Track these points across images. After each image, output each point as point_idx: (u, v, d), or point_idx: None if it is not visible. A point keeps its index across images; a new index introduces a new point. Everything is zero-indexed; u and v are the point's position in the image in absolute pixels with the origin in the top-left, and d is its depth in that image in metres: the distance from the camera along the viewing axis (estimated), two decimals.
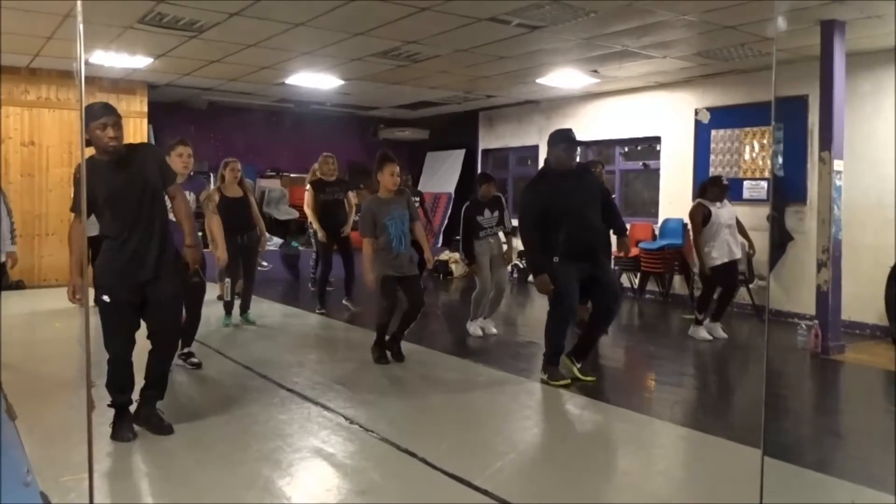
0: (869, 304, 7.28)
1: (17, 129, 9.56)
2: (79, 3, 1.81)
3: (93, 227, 4.18)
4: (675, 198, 9.51)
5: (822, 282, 6.43)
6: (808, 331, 6.45)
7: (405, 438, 3.89)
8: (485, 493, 3.20)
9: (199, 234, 5.72)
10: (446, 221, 12.91)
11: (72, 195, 3.88)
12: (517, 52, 7.89)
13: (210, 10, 6.43)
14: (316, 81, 9.76)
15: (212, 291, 6.96)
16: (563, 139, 5.10)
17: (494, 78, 9.45)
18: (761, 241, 8.34)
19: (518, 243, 7.86)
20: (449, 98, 11.24)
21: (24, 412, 4.07)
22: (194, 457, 3.64)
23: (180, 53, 8.18)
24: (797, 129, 8.02)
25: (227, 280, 6.66)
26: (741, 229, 6.96)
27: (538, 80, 9.46)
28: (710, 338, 6.81)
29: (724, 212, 6.77)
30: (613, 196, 8.18)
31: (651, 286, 9.76)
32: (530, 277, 10.84)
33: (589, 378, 5.20)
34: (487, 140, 12.81)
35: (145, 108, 10.36)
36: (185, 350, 5.38)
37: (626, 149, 10.58)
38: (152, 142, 10.71)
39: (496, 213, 6.77)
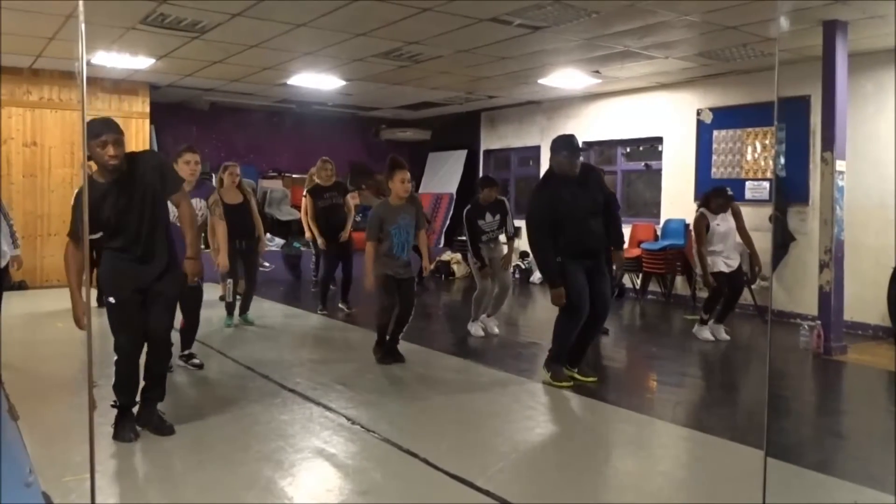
0: (871, 305, 7.27)
1: (19, 130, 9.58)
2: (80, 3, 1.81)
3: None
4: (676, 198, 9.50)
5: (825, 282, 6.42)
6: (811, 331, 6.44)
7: (407, 439, 3.89)
8: (486, 493, 3.20)
9: (202, 234, 5.75)
10: (448, 222, 12.91)
11: (69, 220, 3.80)
12: (519, 53, 7.89)
13: (212, 11, 6.44)
14: (317, 82, 9.77)
15: (214, 292, 6.99)
16: (564, 146, 5.07)
17: (496, 78, 9.45)
18: (764, 242, 8.33)
19: (519, 244, 7.87)
20: (450, 98, 11.24)
21: (26, 412, 4.08)
22: (196, 457, 3.64)
23: (182, 54, 8.18)
24: (799, 129, 8.01)
25: (230, 281, 6.68)
26: (748, 242, 6.89)
27: (540, 81, 9.45)
28: (713, 338, 6.81)
29: (724, 228, 6.76)
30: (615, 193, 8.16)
31: (653, 286, 9.75)
32: (532, 277, 10.86)
33: (590, 379, 5.20)
34: (489, 141, 12.81)
35: (147, 109, 10.37)
36: (186, 351, 5.38)
37: (628, 149, 10.57)
38: (154, 142, 10.73)
39: (497, 218, 6.76)
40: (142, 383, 3.91)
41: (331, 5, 6.15)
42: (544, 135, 11.56)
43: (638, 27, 6.69)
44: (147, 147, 10.28)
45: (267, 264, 10.28)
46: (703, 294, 7.20)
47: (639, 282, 9.77)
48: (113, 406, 3.81)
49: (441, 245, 12.62)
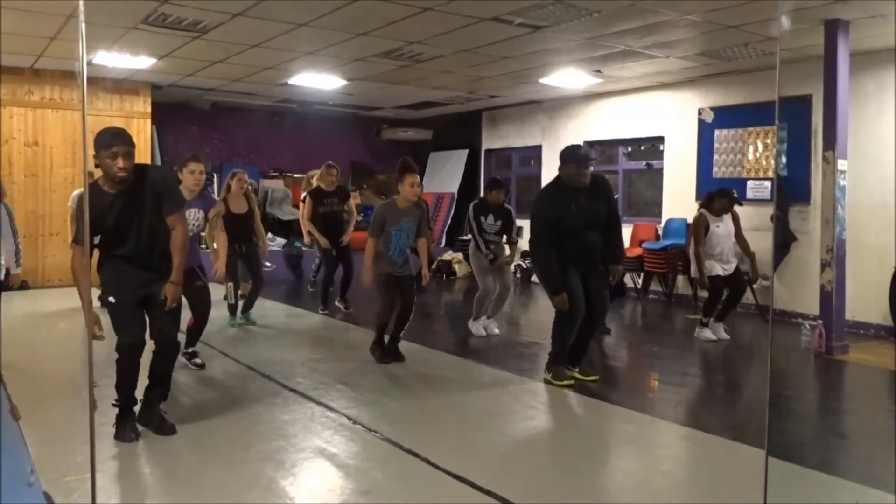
0: (873, 304, 7.26)
1: (20, 130, 9.59)
2: (81, 3, 1.81)
3: None
4: (678, 198, 9.50)
5: (826, 282, 6.41)
6: (812, 331, 6.43)
7: (408, 438, 3.89)
8: (487, 493, 3.20)
9: (202, 233, 5.76)
10: (449, 221, 12.91)
11: (72, 230, 3.76)
12: (520, 52, 7.88)
13: (213, 11, 6.44)
14: (319, 82, 9.77)
15: (217, 292, 6.99)
16: (573, 158, 5.07)
17: (497, 78, 9.45)
18: (765, 242, 8.33)
19: (520, 245, 7.87)
20: (452, 98, 11.24)
21: (28, 412, 4.08)
22: (197, 457, 3.64)
23: (183, 54, 8.19)
24: (801, 128, 8.00)
25: (230, 284, 6.71)
26: (745, 248, 6.90)
27: (541, 80, 9.45)
28: (715, 338, 6.81)
29: (722, 231, 6.76)
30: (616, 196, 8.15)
31: (654, 286, 9.75)
32: (533, 277, 10.86)
33: (591, 378, 5.20)
34: (490, 140, 12.81)
35: (149, 109, 10.38)
36: (190, 349, 5.39)
37: (630, 149, 10.57)
38: (155, 142, 10.74)
39: (499, 223, 6.78)
40: (145, 383, 3.92)
41: (332, 5, 6.15)
42: (545, 134, 11.57)
43: (639, 26, 6.68)
44: (149, 147, 10.31)
45: (268, 264, 10.29)
46: (704, 294, 7.20)
47: (640, 281, 9.77)
48: (114, 405, 3.81)
49: (442, 245, 12.62)
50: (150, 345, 3.94)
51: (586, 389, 5.02)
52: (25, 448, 3.45)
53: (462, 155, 13.22)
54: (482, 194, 6.97)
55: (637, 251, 9.50)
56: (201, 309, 5.17)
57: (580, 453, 3.91)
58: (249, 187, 7.07)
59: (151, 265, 3.80)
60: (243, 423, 4.15)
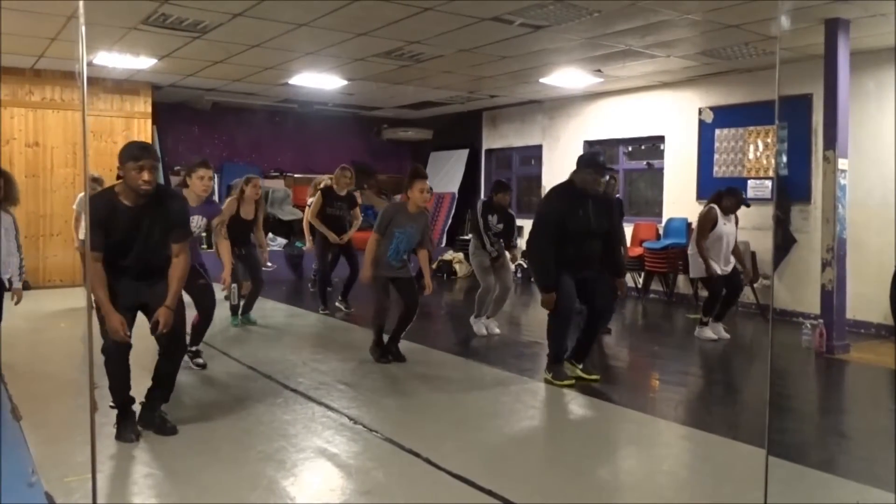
0: (873, 304, 7.26)
1: (21, 130, 9.59)
2: (81, 4, 1.81)
3: None
4: (678, 197, 9.50)
5: (827, 281, 6.41)
6: (813, 330, 6.43)
7: (409, 438, 3.89)
8: (488, 493, 3.20)
9: (203, 234, 5.76)
10: (450, 221, 12.91)
11: (78, 233, 3.64)
12: (520, 52, 7.88)
13: (214, 11, 6.44)
14: (319, 82, 9.77)
15: (218, 291, 6.98)
16: (590, 164, 5.11)
17: (497, 78, 9.45)
18: (766, 241, 8.34)
19: (520, 245, 7.88)
20: (452, 98, 11.24)
21: (29, 413, 4.10)
22: (198, 457, 3.64)
23: (184, 54, 8.19)
24: (801, 128, 8.00)
25: (234, 285, 6.72)
26: (737, 255, 6.92)
27: (541, 80, 9.45)
28: (716, 338, 6.81)
29: (728, 229, 6.76)
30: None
31: (655, 286, 9.75)
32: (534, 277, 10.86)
33: (593, 376, 5.20)
34: (491, 140, 12.81)
35: (149, 109, 10.39)
36: (194, 348, 5.39)
37: (630, 148, 10.57)
38: (156, 142, 10.74)
39: (501, 227, 6.83)
40: (143, 382, 3.92)
41: (332, 5, 6.15)
42: (546, 134, 11.57)
43: (639, 26, 6.68)
44: None
45: (269, 264, 10.29)
46: (705, 293, 7.20)
47: (641, 281, 9.77)
48: (112, 407, 3.82)
49: (443, 244, 12.62)
50: (153, 345, 3.94)
51: (587, 389, 5.03)
52: (27, 448, 3.46)
53: (462, 155, 13.22)
54: (485, 196, 7.00)
55: (638, 251, 9.50)
56: (206, 305, 5.16)
57: (581, 453, 3.91)
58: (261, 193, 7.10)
59: (147, 278, 3.81)
60: (244, 424, 4.15)
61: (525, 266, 11.10)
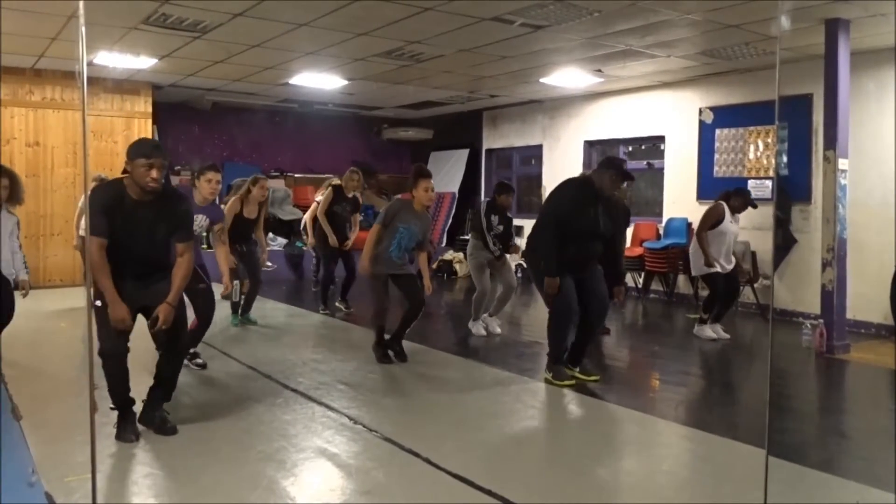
0: (874, 304, 7.26)
1: (21, 130, 9.59)
2: (81, 4, 1.81)
3: None
4: (679, 197, 9.50)
5: (827, 281, 6.41)
6: (813, 330, 6.43)
7: (409, 438, 3.89)
8: (488, 492, 3.20)
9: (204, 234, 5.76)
10: (450, 221, 12.91)
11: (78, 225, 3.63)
12: (520, 52, 7.88)
13: (214, 11, 6.44)
14: (319, 81, 9.77)
15: (217, 291, 6.99)
16: (615, 167, 5.12)
17: (498, 77, 9.45)
18: (766, 241, 8.33)
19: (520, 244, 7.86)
20: (452, 98, 11.23)
21: (29, 413, 4.10)
22: (198, 457, 3.64)
23: (184, 54, 8.19)
24: (801, 128, 8.00)
25: (235, 282, 6.70)
26: (735, 256, 6.94)
27: (542, 80, 9.45)
28: (715, 337, 6.81)
29: (733, 228, 6.77)
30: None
31: (655, 285, 9.75)
32: None
33: (593, 377, 5.20)
34: (491, 140, 12.81)
35: (149, 109, 10.38)
36: (192, 350, 5.39)
37: (630, 148, 10.57)
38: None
39: (501, 227, 6.83)
40: (143, 382, 3.92)
41: (332, 5, 6.15)
42: (546, 134, 11.57)
43: (639, 26, 6.68)
44: None
45: (269, 264, 10.30)
46: (705, 292, 7.20)
47: (641, 281, 9.77)
48: (111, 409, 3.82)
49: (443, 244, 12.62)
50: (152, 345, 3.94)
51: (587, 389, 5.03)
52: (27, 448, 3.46)
53: (463, 154, 13.22)
54: (485, 196, 7.00)
55: (638, 250, 9.50)
56: (205, 310, 5.17)
57: (581, 453, 3.91)
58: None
59: (146, 277, 3.81)
60: (244, 424, 4.15)
61: (525, 266, 11.10)
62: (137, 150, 3.67)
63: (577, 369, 5.23)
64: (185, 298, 4.21)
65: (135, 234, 3.70)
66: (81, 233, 7.38)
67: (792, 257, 8.14)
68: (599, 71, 8.81)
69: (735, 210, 6.81)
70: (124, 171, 3.72)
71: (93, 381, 2.16)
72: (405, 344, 5.84)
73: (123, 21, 6.80)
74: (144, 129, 10.25)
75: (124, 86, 10.03)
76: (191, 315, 4.94)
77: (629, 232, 9.41)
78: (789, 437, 4.12)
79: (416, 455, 3.67)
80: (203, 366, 5.39)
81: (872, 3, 5.84)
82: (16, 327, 5.14)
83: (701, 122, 9.24)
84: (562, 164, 11.02)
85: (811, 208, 7.95)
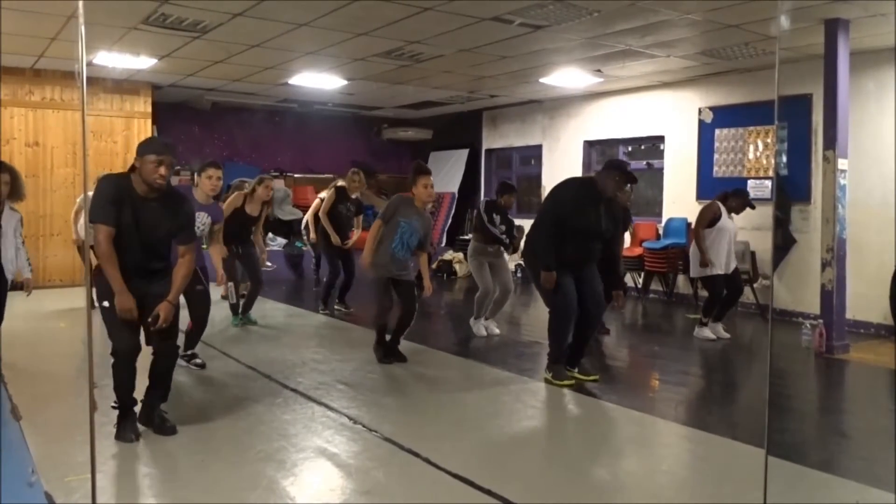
0: (873, 304, 7.26)
1: (21, 130, 9.59)
2: (81, 4, 1.81)
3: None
4: (678, 197, 9.50)
5: (827, 281, 6.41)
6: (813, 330, 6.43)
7: (409, 438, 3.90)
8: (488, 492, 3.20)
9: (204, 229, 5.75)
10: (450, 221, 12.91)
11: (76, 227, 3.64)
12: (520, 52, 7.88)
13: (214, 11, 6.44)
14: (319, 81, 9.77)
15: (216, 291, 6.98)
16: (620, 169, 5.14)
17: (498, 77, 9.45)
18: (765, 241, 8.33)
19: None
20: (452, 98, 11.24)
21: (29, 413, 4.10)
22: (198, 457, 3.65)
23: (184, 54, 8.19)
24: (801, 128, 8.00)
25: (230, 283, 6.71)
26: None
27: (541, 80, 9.45)
28: (714, 338, 6.81)
29: (731, 226, 6.77)
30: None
31: (655, 285, 9.75)
32: None
33: (592, 377, 5.20)
34: (491, 140, 12.81)
35: (149, 109, 10.38)
36: (189, 352, 5.40)
37: (630, 148, 10.57)
38: None
39: (502, 227, 6.82)
40: (144, 383, 3.92)
41: (332, 5, 6.15)
42: (546, 134, 11.57)
43: (639, 26, 6.68)
44: None
45: (269, 264, 10.30)
46: (705, 293, 7.21)
47: (641, 281, 9.77)
48: (113, 407, 3.82)
49: (443, 244, 12.62)
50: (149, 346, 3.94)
51: (587, 389, 5.03)
52: (26, 448, 3.45)
53: (462, 154, 13.22)
54: (486, 195, 6.98)
55: (638, 250, 9.51)
56: (201, 312, 5.18)
57: (580, 453, 3.91)
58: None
59: (147, 275, 3.81)
60: (244, 423, 4.15)
61: (524, 266, 11.11)
62: (148, 146, 3.72)
63: (576, 370, 5.23)
64: (182, 299, 4.22)
65: (139, 230, 3.71)
66: (81, 231, 7.37)
67: (791, 257, 8.14)
68: (599, 71, 8.81)
69: (733, 211, 6.81)
70: (132, 168, 3.74)
71: (93, 380, 2.16)
72: (405, 344, 5.84)
73: (123, 21, 6.80)
74: (144, 129, 10.25)
75: (124, 86, 10.02)
76: (187, 316, 4.95)
77: (629, 233, 9.44)
78: (789, 437, 4.12)
79: (416, 455, 3.67)
80: (202, 366, 5.39)
81: (872, 3, 5.84)
82: (16, 327, 5.14)
83: (700, 122, 9.24)
84: (561, 164, 11.02)
85: (811, 208, 7.95)
